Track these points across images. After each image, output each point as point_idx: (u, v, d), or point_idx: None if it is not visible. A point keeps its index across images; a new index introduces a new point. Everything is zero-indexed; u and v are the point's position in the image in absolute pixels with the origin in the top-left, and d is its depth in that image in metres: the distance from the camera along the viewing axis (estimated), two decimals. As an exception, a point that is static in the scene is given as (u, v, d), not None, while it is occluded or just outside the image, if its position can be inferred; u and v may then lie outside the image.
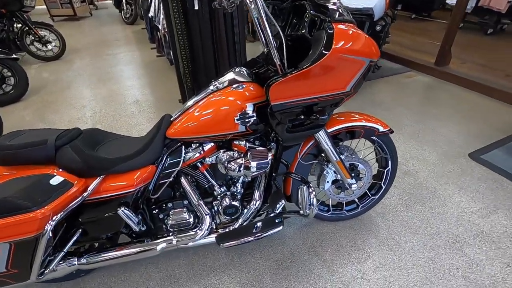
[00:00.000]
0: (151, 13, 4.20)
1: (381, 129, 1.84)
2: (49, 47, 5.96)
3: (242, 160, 1.48)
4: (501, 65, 4.74)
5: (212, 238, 1.69)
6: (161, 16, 3.48)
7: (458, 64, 4.71)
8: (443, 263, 1.91)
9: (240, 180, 1.72)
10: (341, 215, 2.14)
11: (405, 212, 2.27)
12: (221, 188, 1.71)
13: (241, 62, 3.00)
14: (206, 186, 1.73)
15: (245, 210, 1.73)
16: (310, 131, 1.55)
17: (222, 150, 1.60)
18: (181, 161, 1.56)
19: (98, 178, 1.46)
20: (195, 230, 1.68)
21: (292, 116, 1.45)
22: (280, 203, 1.56)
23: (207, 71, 2.95)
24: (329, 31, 1.24)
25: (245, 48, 3.04)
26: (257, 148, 1.49)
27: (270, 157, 1.48)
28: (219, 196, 1.71)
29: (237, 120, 1.48)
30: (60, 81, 5.13)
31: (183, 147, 1.58)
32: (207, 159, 1.59)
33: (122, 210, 1.49)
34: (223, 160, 1.54)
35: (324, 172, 1.87)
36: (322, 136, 1.72)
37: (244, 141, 1.60)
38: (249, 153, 1.45)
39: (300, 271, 1.88)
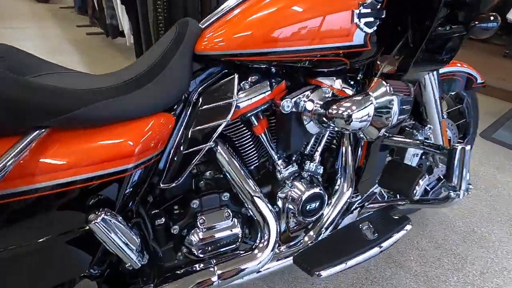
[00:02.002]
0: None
1: (479, 79, 1.34)
2: None
3: (367, 101, 0.74)
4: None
5: (284, 262, 0.88)
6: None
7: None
8: (543, 255, 1.49)
9: (321, 148, 0.97)
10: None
11: (466, 198, 1.84)
12: (291, 167, 0.93)
13: None
14: (256, 163, 0.93)
15: (326, 207, 0.98)
16: (442, 59, 0.93)
17: (307, 89, 0.84)
18: (233, 105, 0.74)
19: (34, 133, 0.54)
20: (251, 250, 0.85)
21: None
22: (418, 184, 0.87)
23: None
24: None
25: None
26: (393, 80, 0.78)
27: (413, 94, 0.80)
28: (288, 181, 0.92)
29: (358, 16, 0.75)
30: None
31: (237, 76, 0.76)
32: (285, 104, 0.79)
33: (103, 220, 0.58)
34: (327, 105, 0.77)
35: (414, 140, 1.26)
36: (432, 79, 1.12)
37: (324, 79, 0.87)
38: (388, 85, 0.73)
39: (393, 297, 1.21)
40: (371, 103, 0.74)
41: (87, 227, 0.58)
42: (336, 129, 0.80)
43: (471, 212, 1.76)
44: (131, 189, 0.67)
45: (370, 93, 0.74)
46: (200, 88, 0.75)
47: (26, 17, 5.59)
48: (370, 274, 1.31)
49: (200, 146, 0.73)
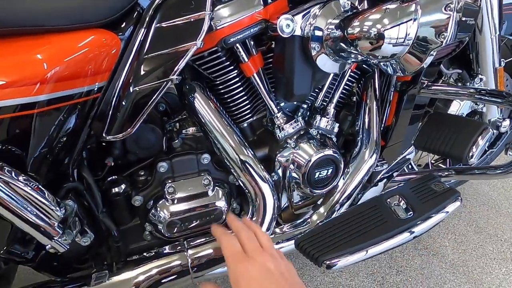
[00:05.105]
0: None
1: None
2: None
3: (409, 10, 0.49)
4: None
5: (287, 246, 0.67)
6: None
7: None
8: None
9: (336, 99, 0.73)
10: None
11: None
12: (294, 122, 0.70)
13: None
14: (250, 119, 0.70)
15: (341, 177, 0.74)
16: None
17: (316, 2, 0.59)
18: (206, 20, 0.51)
19: None
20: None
21: None
22: (477, 142, 0.62)
23: None
24: None
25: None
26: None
27: None
28: (290, 141, 0.69)
29: None
30: None
31: None
32: (284, 23, 0.55)
33: None
34: (345, 23, 0.52)
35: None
36: (491, 13, 0.84)
37: None
38: None
39: (425, 291, 0.99)
40: (414, 14, 0.49)
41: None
42: (360, 58, 0.55)
43: (519, 192, 1.47)
44: (55, 140, 0.46)
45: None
46: (158, 1, 0.53)
47: None
48: (395, 262, 1.08)
49: (158, 81, 0.51)
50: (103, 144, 0.65)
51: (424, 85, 0.79)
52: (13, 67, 0.40)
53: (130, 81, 0.50)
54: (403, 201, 0.67)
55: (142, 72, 0.50)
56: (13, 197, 0.41)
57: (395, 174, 0.81)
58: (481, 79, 0.96)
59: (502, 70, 0.94)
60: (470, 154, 0.67)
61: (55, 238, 0.46)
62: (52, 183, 0.49)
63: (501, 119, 1.00)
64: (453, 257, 1.10)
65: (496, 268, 1.08)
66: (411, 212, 0.65)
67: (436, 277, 1.03)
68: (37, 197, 0.43)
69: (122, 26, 0.51)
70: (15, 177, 0.41)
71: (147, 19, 0.51)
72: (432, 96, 0.81)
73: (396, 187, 0.73)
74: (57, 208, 0.45)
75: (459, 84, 0.98)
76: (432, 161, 1.31)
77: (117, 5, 0.48)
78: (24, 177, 0.42)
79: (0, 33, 0.42)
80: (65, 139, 0.48)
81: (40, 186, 0.44)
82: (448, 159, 1.22)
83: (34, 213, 0.43)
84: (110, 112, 0.50)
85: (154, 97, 0.51)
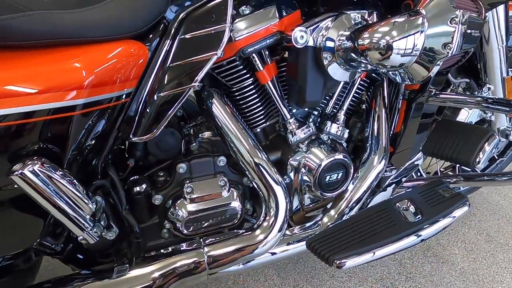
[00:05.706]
0: None
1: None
2: None
3: (416, 23, 0.52)
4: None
5: (297, 247, 0.70)
6: None
7: None
8: None
9: (346, 106, 0.76)
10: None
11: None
12: (306, 127, 0.73)
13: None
14: (263, 124, 0.74)
15: (351, 181, 0.77)
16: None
17: (328, 16, 0.62)
18: (226, 32, 0.55)
19: None
20: (252, 230, 0.67)
21: None
22: (483, 148, 0.64)
23: None
24: None
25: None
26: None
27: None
28: (302, 145, 0.72)
29: None
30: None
31: None
32: (298, 34, 0.58)
33: (33, 172, 0.42)
34: (356, 34, 0.56)
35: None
36: (498, 24, 0.86)
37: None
38: None
39: (435, 298, 0.99)
40: (421, 26, 0.52)
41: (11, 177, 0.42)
42: (369, 67, 0.58)
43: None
44: (87, 140, 0.51)
45: (422, 10, 0.52)
46: (183, 14, 0.57)
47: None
48: (404, 269, 1.09)
49: (181, 88, 0.55)
50: (124, 147, 0.69)
51: (432, 93, 0.82)
52: (55, 74, 0.45)
53: (156, 88, 0.55)
54: (412, 205, 0.69)
55: (167, 80, 0.55)
56: (52, 189, 0.45)
57: (403, 179, 0.83)
58: (489, 88, 0.98)
59: (510, 79, 0.96)
60: (477, 159, 0.69)
61: (87, 230, 0.50)
62: (83, 180, 0.53)
63: (510, 128, 1.01)
64: (463, 265, 1.10)
65: (507, 277, 1.07)
66: (419, 216, 0.67)
67: (446, 285, 1.03)
68: (73, 190, 0.47)
69: (150, 37, 0.56)
70: (54, 171, 0.45)
71: (172, 31, 0.56)
72: (440, 104, 0.84)
73: (404, 192, 0.74)
74: (89, 201, 0.49)
75: (467, 93, 1.00)
76: (441, 169, 1.32)
77: (147, 19, 0.53)
78: (61, 172, 0.46)
79: (44, 44, 0.47)
80: (96, 139, 0.52)
81: (74, 181, 0.48)
82: (457, 167, 1.23)
83: (70, 205, 0.47)
84: (137, 116, 0.55)
85: (177, 103, 0.55)
